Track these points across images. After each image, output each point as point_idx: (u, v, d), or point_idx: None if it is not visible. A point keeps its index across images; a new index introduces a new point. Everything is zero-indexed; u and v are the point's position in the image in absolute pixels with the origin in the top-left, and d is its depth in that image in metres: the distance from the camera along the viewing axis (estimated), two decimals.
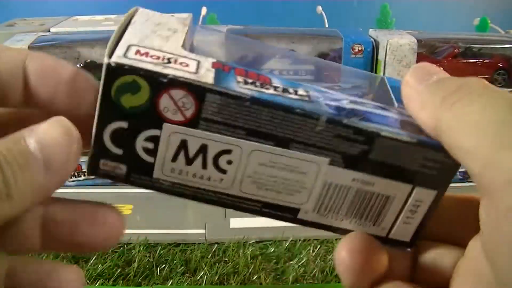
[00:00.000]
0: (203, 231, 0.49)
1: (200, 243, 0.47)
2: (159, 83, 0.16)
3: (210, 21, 0.67)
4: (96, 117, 0.17)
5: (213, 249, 0.46)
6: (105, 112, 0.17)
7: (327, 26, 0.65)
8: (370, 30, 0.52)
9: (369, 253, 0.19)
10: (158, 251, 0.46)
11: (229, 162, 0.18)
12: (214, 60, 0.18)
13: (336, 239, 0.48)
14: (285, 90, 0.18)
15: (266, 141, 0.18)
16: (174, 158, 0.18)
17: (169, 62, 0.17)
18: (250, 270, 0.43)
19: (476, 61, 0.52)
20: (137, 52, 0.17)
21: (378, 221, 0.20)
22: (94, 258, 0.44)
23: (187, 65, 0.17)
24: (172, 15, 0.20)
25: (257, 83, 0.17)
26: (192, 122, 0.17)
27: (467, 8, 0.90)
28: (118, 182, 0.18)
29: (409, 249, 0.20)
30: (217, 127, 0.17)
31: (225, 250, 0.46)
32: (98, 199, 0.19)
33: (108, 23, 0.59)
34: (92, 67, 0.47)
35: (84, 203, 0.19)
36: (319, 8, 0.66)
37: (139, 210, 0.52)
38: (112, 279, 0.42)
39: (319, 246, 0.47)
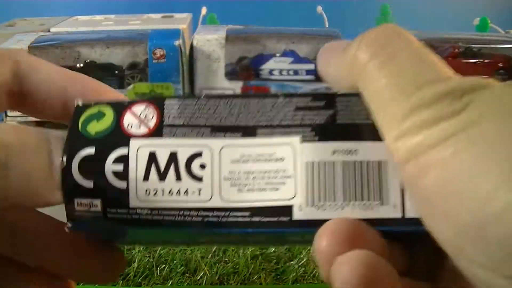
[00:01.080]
0: None
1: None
2: (122, 105, 0.18)
3: (210, 21, 0.67)
4: (64, 151, 0.17)
5: (213, 249, 0.46)
6: (72, 143, 0.17)
7: (327, 26, 0.65)
8: None
9: (357, 239, 0.16)
10: (158, 251, 0.46)
11: (203, 166, 0.17)
12: None
13: None
14: None
15: (232, 134, 0.17)
16: (146, 176, 0.17)
17: None
18: (250, 270, 0.43)
19: (476, 61, 0.52)
20: None
21: (384, 197, 0.17)
22: None
23: None
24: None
25: None
26: (156, 131, 0.18)
27: (467, 8, 0.89)
28: (97, 228, 0.18)
29: None
30: (181, 131, 0.17)
31: (225, 250, 0.46)
32: None
33: (108, 23, 0.58)
34: (92, 67, 0.47)
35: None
36: (319, 8, 0.66)
37: None
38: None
39: None
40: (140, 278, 0.42)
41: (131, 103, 0.18)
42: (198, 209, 0.17)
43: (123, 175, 0.17)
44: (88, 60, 0.47)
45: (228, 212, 0.17)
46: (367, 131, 0.17)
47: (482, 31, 0.66)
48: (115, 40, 0.47)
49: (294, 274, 0.43)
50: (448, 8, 0.92)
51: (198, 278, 0.43)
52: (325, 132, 0.17)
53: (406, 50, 0.16)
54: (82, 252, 0.19)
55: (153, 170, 0.17)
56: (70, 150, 0.17)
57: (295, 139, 0.17)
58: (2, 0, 0.83)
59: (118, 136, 0.17)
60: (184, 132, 0.17)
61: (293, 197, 0.17)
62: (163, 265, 0.44)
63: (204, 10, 0.64)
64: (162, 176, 0.17)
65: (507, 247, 0.12)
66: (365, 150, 0.17)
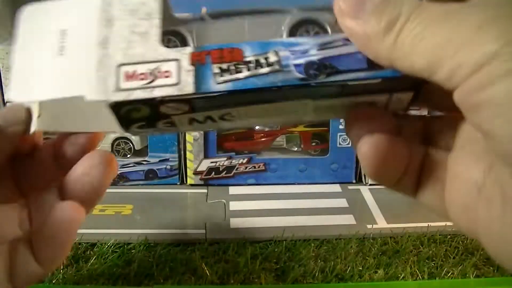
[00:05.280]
0: (203, 231, 0.49)
1: (200, 243, 0.47)
2: (153, 104, 0.21)
3: None
4: (120, 125, 0.22)
5: (213, 249, 0.46)
6: (124, 122, 0.22)
7: None
8: None
9: (389, 147, 0.21)
10: (158, 251, 0.46)
11: (232, 117, 0.22)
12: (191, 51, 0.20)
13: (336, 239, 0.48)
14: (257, 64, 0.20)
15: (254, 105, 0.21)
16: (190, 124, 0.23)
17: (153, 79, 0.20)
18: (250, 270, 0.43)
19: None
20: (127, 76, 0.20)
21: None
22: (94, 258, 0.44)
23: (168, 75, 0.20)
24: None
25: (231, 67, 0.20)
26: (190, 111, 0.21)
27: None
28: None
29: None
30: (211, 108, 0.21)
31: (225, 250, 0.46)
32: None
33: None
34: None
35: None
36: None
37: (139, 210, 0.52)
38: (112, 279, 0.42)
39: (319, 246, 0.47)
40: (140, 278, 0.42)
41: (160, 103, 0.20)
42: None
43: (172, 125, 0.23)
44: None
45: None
46: (368, 92, 0.21)
47: None
48: None
49: (294, 274, 0.43)
50: None
51: (198, 278, 0.43)
52: (333, 97, 0.21)
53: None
54: None
55: (194, 122, 0.23)
56: (124, 124, 0.22)
57: (308, 101, 0.22)
58: None
59: (161, 116, 0.22)
60: (214, 107, 0.21)
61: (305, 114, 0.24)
62: (163, 265, 0.44)
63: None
64: (202, 123, 0.23)
65: None
66: (363, 98, 0.22)
